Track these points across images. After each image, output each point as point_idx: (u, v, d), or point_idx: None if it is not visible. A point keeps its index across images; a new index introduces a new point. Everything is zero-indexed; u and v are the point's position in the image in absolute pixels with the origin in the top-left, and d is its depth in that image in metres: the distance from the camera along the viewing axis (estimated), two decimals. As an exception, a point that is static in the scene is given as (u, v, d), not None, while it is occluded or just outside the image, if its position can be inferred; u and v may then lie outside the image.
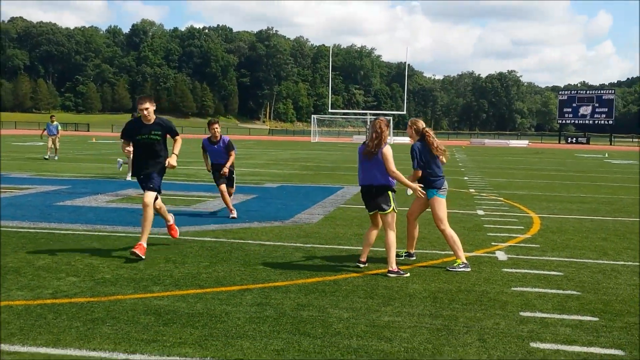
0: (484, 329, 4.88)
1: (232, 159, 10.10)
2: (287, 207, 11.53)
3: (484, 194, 14.71)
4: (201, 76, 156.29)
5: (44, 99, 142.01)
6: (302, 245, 8.09)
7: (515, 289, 6.06)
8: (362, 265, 6.90)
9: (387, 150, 6.68)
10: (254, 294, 5.70)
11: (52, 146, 24.21)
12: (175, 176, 17.50)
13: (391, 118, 64.40)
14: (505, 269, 6.89)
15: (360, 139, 59.58)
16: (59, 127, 24.98)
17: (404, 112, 68.43)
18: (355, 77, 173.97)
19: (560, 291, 5.99)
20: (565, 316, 5.22)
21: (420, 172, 6.97)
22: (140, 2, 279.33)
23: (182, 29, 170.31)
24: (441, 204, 7.01)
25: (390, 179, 6.74)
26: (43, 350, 4.17)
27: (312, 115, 69.06)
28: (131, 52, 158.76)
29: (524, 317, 5.18)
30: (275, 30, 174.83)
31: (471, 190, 15.72)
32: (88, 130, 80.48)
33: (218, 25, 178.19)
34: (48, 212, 10.13)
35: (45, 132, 24.78)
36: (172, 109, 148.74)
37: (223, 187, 10.02)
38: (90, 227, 8.84)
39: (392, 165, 6.65)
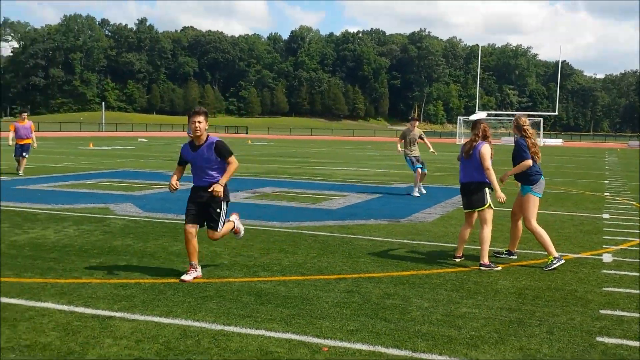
0: (555, 323, 5.02)
1: (232, 168, 6.22)
2: (407, 207, 11.90)
3: (618, 198, 14.05)
4: (353, 79, 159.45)
5: (211, 104, 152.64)
6: (409, 241, 8.48)
7: (606, 289, 6.04)
8: (457, 260, 7.25)
9: (485, 149, 7.02)
10: (347, 283, 6.24)
11: None
12: (312, 175, 18.50)
13: (541, 119, 61.66)
14: (605, 271, 6.81)
15: (510, 140, 57.58)
16: None
17: (555, 113, 65.02)
18: (510, 77, 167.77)
19: (653, 293, 5.88)
20: (645, 316, 5.20)
21: (530, 162, 7.04)
22: (299, 8, 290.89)
23: (337, 33, 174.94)
24: (532, 202, 7.09)
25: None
26: (156, 319, 5.01)
27: (458, 117, 67.92)
28: (289, 57, 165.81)
29: (602, 315, 5.23)
30: (428, 32, 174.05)
31: (606, 193, 15.04)
32: (247, 133, 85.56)
33: (372, 28, 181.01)
34: (190, 206, 11.39)
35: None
36: (325, 112, 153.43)
37: (191, 228, 6.24)
38: (222, 220, 9.88)
39: (487, 163, 6.97)
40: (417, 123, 14.02)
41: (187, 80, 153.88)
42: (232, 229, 6.69)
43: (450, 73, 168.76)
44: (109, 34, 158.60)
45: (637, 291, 5.96)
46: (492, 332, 4.81)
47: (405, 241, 8.50)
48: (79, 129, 74.12)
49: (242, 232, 6.95)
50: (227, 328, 4.81)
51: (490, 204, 7.08)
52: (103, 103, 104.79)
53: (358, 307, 5.40)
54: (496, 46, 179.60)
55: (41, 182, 15.20)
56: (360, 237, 8.72)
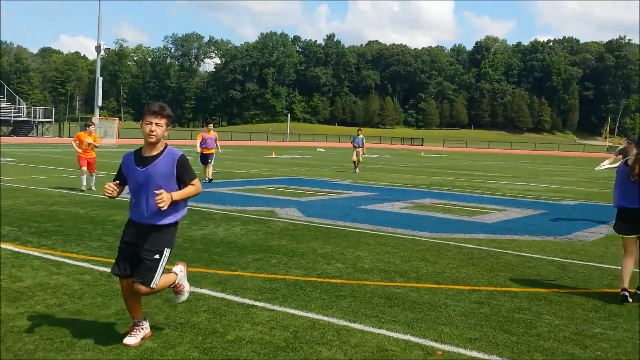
0: (698, 355, 4.69)
1: (193, 190, 4.60)
2: (569, 224, 11.38)
3: None
4: (540, 90, 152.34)
5: (390, 115, 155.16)
6: (560, 259, 8.20)
7: None
8: (629, 300, 6.16)
9: None
10: (480, 294, 6.29)
11: (356, 159, 24.95)
12: (477, 189, 18.23)
13: None
14: None
15: None
16: (364, 141, 25.54)
17: None
18: None
19: None
20: None
21: None
22: (487, 18, 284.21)
23: (525, 43, 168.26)
24: None
25: None
26: (292, 311, 5.51)
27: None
28: (472, 69, 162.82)
29: None
30: (628, 39, 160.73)
31: None
32: (422, 145, 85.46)
33: (564, 37, 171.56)
34: (348, 213, 11.94)
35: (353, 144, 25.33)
36: (507, 124, 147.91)
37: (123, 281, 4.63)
38: (375, 227, 10.26)
39: None
40: None
41: (368, 93, 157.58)
42: (172, 284, 4.77)
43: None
44: (300, 49, 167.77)
45: None
46: (620, 355, 4.65)
47: (556, 259, 8.24)
48: (266, 139, 79.16)
49: (186, 294, 4.93)
50: (351, 325, 5.16)
51: None
52: (289, 115, 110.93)
53: (484, 318, 5.46)
54: None
55: (222, 186, 16.76)
56: (508, 251, 8.61)
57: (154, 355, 4.36)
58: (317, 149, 54.29)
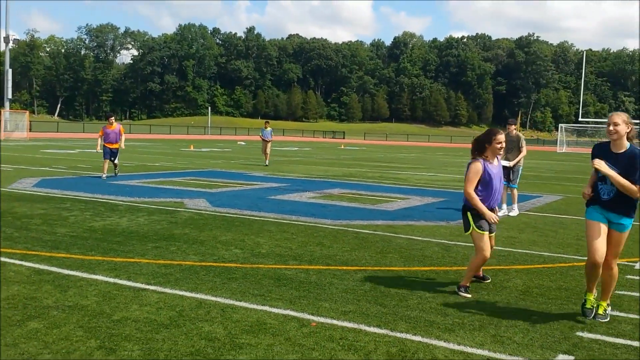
0: (543, 318, 5.29)
1: None
2: (464, 210, 12.10)
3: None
4: (456, 85, 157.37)
5: (313, 109, 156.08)
6: (446, 242, 8.80)
7: (618, 292, 6.12)
8: (469, 295, 6.00)
9: (472, 167, 6.11)
10: (365, 274, 6.73)
11: (265, 151, 24.60)
12: (386, 179, 18.90)
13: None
14: (630, 276, 6.89)
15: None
16: (272, 133, 25.41)
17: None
18: (625, 84, 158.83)
19: (656, 297, 5.95)
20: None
21: None
22: (404, 14, 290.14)
23: (441, 39, 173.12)
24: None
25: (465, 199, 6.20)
26: (181, 293, 5.74)
27: (560, 125, 65.77)
28: (391, 63, 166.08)
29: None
30: (537, 36, 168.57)
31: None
32: (343, 138, 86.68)
33: (477, 33, 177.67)
34: (256, 203, 12.23)
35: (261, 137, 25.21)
36: (426, 118, 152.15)
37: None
38: (279, 216, 10.60)
39: (468, 185, 6.09)
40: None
41: (291, 86, 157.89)
42: None
43: (560, 79, 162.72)
44: (220, 42, 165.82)
45: (641, 293, 6.04)
46: (474, 321, 5.17)
47: (443, 241, 8.83)
48: (186, 132, 78.08)
49: None
50: (237, 303, 5.47)
51: (474, 228, 6.08)
52: (209, 108, 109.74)
53: (363, 294, 5.90)
54: (611, 51, 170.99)
55: (134, 178, 16.66)
56: (401, 236, 9.14)
57: (38, 334, 4.52)
58: (238, 143, 54.19)
